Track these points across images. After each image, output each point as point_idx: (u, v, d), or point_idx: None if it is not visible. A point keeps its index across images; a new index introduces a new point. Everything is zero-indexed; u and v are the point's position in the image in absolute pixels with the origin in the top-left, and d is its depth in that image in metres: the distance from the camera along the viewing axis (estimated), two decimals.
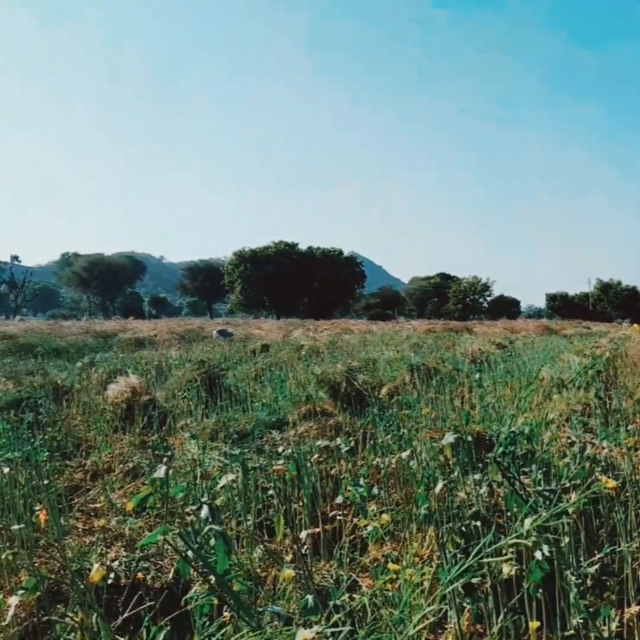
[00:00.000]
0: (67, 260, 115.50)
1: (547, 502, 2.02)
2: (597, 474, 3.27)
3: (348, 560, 3.19)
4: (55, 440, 5.71)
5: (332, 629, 1.33)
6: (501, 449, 3.10)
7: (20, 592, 2.15)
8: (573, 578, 1.85)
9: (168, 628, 1.67)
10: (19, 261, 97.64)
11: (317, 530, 3.63)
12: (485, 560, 1.62)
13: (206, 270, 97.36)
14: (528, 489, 2.57)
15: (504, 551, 2.13)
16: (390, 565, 1.96)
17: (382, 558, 2.88)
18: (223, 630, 1.60)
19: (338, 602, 1.61)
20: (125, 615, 2.44)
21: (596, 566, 1.92)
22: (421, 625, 1.68)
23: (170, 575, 3.06)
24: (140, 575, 2.74)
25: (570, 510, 2.57)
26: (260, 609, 1.47)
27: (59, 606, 2.47)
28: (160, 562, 3.24)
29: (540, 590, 2.42)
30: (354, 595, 2.24)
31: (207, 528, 1.50)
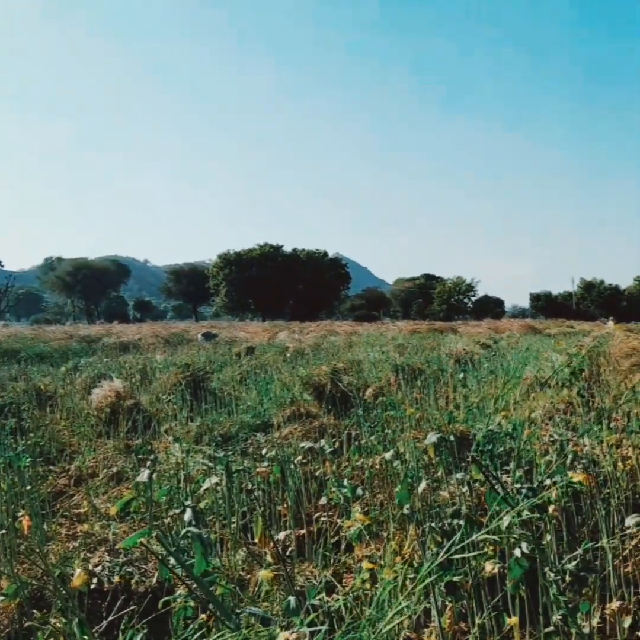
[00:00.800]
0: (50, 265, 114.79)
1: (526, 499, 2.04)
2: (578, 471, 3.30)
3: (333, 561, 3.20)
4: (38, 446, 5.68)
5: (310, 629, 1.34)
6: (479, 447, 3.12)
7: (1, 598, 2.14)
8: (552, 574, 1.87)
9: (145, 631, 1.67)
10: (2, 266, 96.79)
11: (302, 531, 3.63)
12: (456, 556, 1.63)
13: (191, 273, 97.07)
14: (509, 487, 2.59)
15: (484, 548, 2.14)
16: (365, 564, 1.97)
17: (365, 558, 2.89)
18: (200, 632, 1.61)
19: (317, 602, 1.62)
20: (109, 619, 2.43)
21: (575, 562, 1.94)
22: (396, 621, 1.69)
23: (154, 579, 3.06)
24: (117, 578, 2.73)
25: (550, 508, 2.58)
26: (239, 611, 1.48)
27: (41, 612, 2.46)
28: (144, 566, 3.23)
29: (523, 588, 2.44)
30: (335, 596, 2.25)
31: (184, 530, 1.50)
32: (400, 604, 1.66)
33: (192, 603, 1.63)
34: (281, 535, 3.20)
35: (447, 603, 2.30)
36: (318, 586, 1.86)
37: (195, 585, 1.44)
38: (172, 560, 1.71)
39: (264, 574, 1.94)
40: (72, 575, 2.62)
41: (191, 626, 1.67)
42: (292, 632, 1.25)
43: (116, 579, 2.65)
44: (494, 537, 1.70)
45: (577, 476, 2.09)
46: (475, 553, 2.00)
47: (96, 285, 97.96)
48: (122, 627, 1.76)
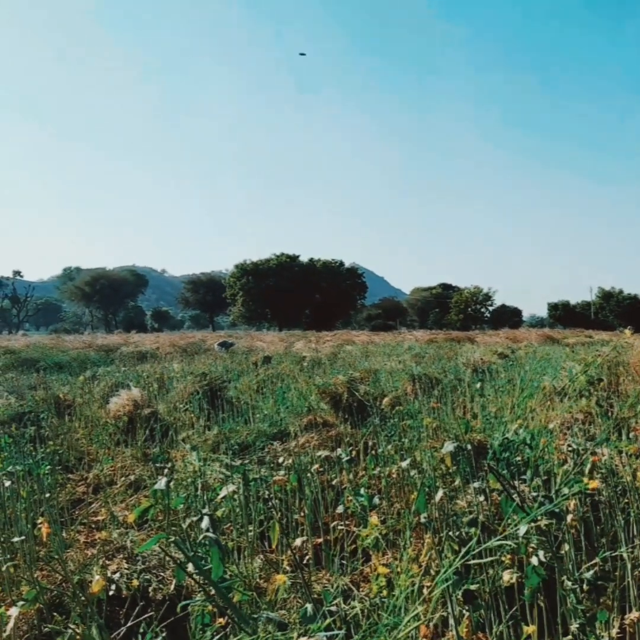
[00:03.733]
0: (69, 275, 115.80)
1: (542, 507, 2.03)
2: (597, 480, 3.28)
3: (349, 569, 3.19)
4: (57, 454, 5.72)
5: (326, 634, 1.34)
6: (496, 455, 3.11)
7: (21, 603, 2.16)
8: (569, 583, 1.86)
9: (163, 634, 1.68)
10: (21, 276, 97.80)
11: (319, 540, 3.63)
12: (473, 561, 1.63)
13: (208, 283, 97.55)
14: (526, 497, 2.58)
15: (500, 556, 2.14)
16: (380, 569, 1.97)
17: (382, 566, 2.89)
18: (219, 636, 1.62)
19: (334, 608, 1.62)
20: (127, 625, 2.44)
21: (593, 571, 1.93)
22: (412, 626, 1.69)
23: (172, 586, 3.07)
24: (135, 582, 2.75)
25: (568, 517, 2.57)
26: (255, 616, 1.48)
27: (60, 617, 2.48)
28: (162, 573, 3.25)
29: (541, 598, 2.43)
30: (352, 603, 2.25)
31: (202, 536, 1.51)
32: (415, 610, 1.66)
33: (210, 607, 1.64)
34: (298, 541, 3.20)
35: (464, 612, 2.29)
36: (334, 592, 1.86)
37: (213, 591, 1.46)
38: (190, 567, 1.73)
39: (278, 577, 1.94)
40: (91, 582, 2.65)
41: (208, 631, 1.68)
42: (310, 638, 1.26)
43: (135, 582, 2.66)
44: (510, 542, 1.70)
45: (592, 483, 2.08)
46: (492, 558, 2.00)
47: (114, 295, 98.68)
48: (140, 630, 1.77)
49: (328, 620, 1.46)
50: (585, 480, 2.30)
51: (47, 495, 3.98)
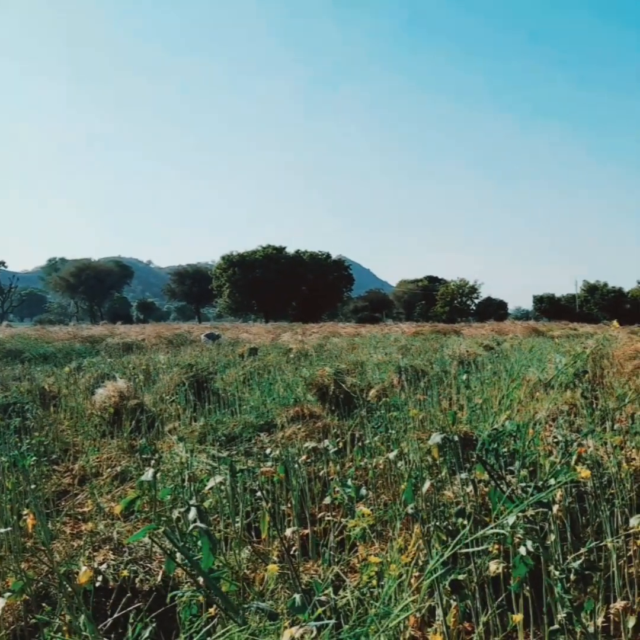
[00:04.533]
0: (54, 266, 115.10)
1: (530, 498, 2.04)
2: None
3: (337, 560, 3.20)
4: (42, 445, 5.69)
5: (317, 623, 1.34)
6: (484, 446, 3.13)
7: (7, 594, 2.15)
8: (556, 572, 1.87)
9: (154, 625, 1.68)
10: (5, 267, 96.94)
11: (305, 531, 3.64)
12: (463, 551, 1.63)
13: (194, 274, 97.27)
14: (514, 487, 2.60)
15: (488, 546, 2.15)
16: (371, 558, 1.97)
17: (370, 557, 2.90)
18: (208, 626, 1.61)
19: (323, 598, 1.63)
20: (114, 616, 2.44)
21: (580, 561, 1.95)
22: (403, 616, 1.69)
23: (159, 577, 3.06)
24: (125, 572, 2.74)
25: (554, 508, 2.59)
26: (246, 606, 1.48)
27: (47, 608, 2.47)
28: (148, 565, 3.24)
29: (528, 588, 2.44)
30: (341, 593, 2.25)
31: (192, 526, 1.51)
32: (406, 599, 1.66)
33: (200, 598, 1.63)
34: (288, 532, 3.20)
35: (451, 602, 2.31)
36: (325, 582, 1.86)
37: (202, 581, 1.45)
38: (178, 558, 1.72)
39: (271, 567, 1.94)
40: (77, 573, 2.63)
41: (197, 622, 1.68)
42: (300, 627, 1.26)
43: (124, 572, 2.65)
44: (499, 530, 1.70)
45: (584, 472, 2.09)
46: (480, 548, 2.01)
47: (99, 286, 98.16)
48: (130, 620, 1.76)
49: (319, 611, 1.46)
50: (577, 469, 2.31)
51: (33, 486, 3.95)
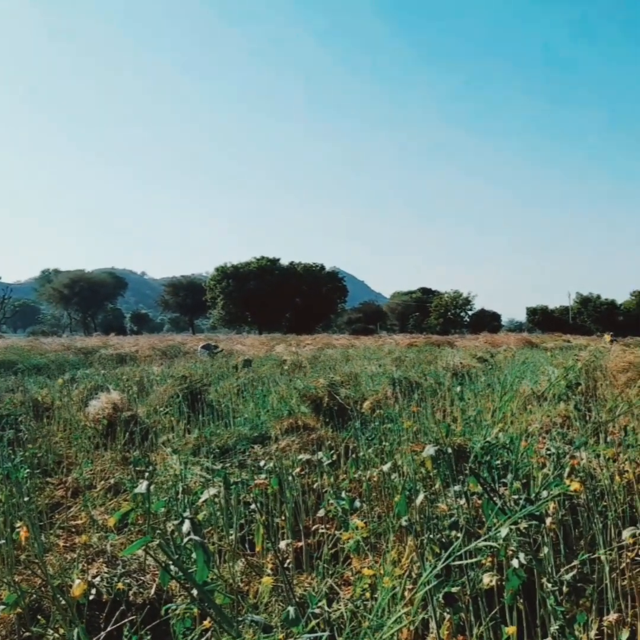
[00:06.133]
0: (47, 277, 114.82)
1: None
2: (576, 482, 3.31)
3: (330, 573, 3.20)
4: (35, 457, 5.67)
5: (310, 635, 1.35)
6: (477, 458, 3.14)
7: (1, 607, 2.14)
8: (549, 585, 1.88)
9: (148, 638, 1.68)
10: None
11: (299, 543, 3.63)
12: (457, 563, 1.64)
13: (188, 286, 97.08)
14: (506, 500, 2.61)
15: (482, 560, 2.16)
16: (365, 571, 1.98)
17: (364, 570, 2.90)
18: (202, 639, 1.62)
19: (317, 610, 1.63)
20: (108, 629, 2.43)
21: (572, 573, 1.96)
22: (396, 628, 1.70)
23: (153, 590, 3.06)
24: (120, 585, 2.74)
25: (548, 520, 2.60)
26: (240, 618, 1.49)
27: (41, 621, 2.47)
28: (142, 577, 3.23)
29: (521, 601, 2.45)
30: (335, 606, 2.26)
31: (186, 539, 1.52)
32: (399, 611, 1.67)
33: (194, 610, 1.63)
34: (282, 544, 3.20)
35: (445, 614, 2.31)
36: (318, 595, 1.87)
37: (196, 594, 1.46)
38: (172, 569, 1.72)
39: (265, 580, 1.94)
40: (71, 585, 2.63)
41: (191, 634, 1.68)
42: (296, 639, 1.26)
43: (120, 586, 2.65)
44: (492, 543, 1.71)
45: (574, 484, 2.11)
46: (473, 560, 2.02)
47: (93, 298, 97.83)
48: (124, 633, 1.76)
49: (313, 623, 1.46)
50: (567, 481, 2.33)
51: (26, 499, 3.94)
